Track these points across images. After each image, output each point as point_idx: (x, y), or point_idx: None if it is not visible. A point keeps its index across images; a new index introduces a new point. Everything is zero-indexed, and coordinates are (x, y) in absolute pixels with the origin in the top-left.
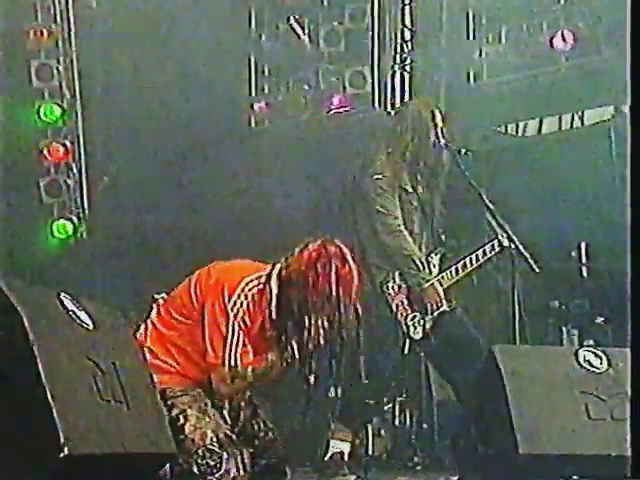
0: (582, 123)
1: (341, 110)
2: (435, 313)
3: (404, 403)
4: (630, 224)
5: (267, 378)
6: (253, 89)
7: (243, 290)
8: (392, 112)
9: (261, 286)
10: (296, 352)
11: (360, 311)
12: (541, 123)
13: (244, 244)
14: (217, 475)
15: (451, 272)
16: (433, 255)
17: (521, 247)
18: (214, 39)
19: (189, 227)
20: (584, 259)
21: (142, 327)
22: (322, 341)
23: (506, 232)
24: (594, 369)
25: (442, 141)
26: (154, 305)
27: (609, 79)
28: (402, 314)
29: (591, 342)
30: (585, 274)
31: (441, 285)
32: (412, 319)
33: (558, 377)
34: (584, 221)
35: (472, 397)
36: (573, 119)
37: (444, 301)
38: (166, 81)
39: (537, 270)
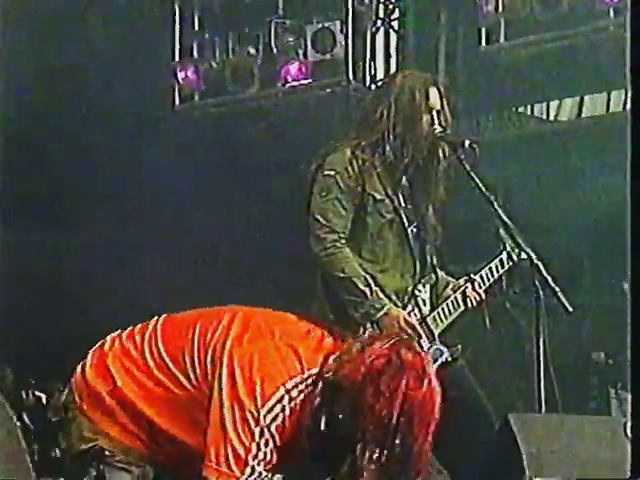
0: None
1: (301, 83)
2: (434, 365)
3: None
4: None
5: None
6: (177, 51)
7: (281, 401)
8: (372, 87)
9: (302, 396)
10: None
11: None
12: (582, 103)
13: (176, 267)
14: None
15: (447, 307)
16: (420, 287)
17: (549, 277)
18: None
19: (101, 245)
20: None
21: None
22: None
23: (528, 255)
24: None
25: (438, 130)
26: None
27: None
28: None
29: None
30: None
31: (436, 327)
32: None
33: (601, 459)
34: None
35: None
36: (625, 98)
37: (442, 348)
38: (64, 44)
39: (571, 309)
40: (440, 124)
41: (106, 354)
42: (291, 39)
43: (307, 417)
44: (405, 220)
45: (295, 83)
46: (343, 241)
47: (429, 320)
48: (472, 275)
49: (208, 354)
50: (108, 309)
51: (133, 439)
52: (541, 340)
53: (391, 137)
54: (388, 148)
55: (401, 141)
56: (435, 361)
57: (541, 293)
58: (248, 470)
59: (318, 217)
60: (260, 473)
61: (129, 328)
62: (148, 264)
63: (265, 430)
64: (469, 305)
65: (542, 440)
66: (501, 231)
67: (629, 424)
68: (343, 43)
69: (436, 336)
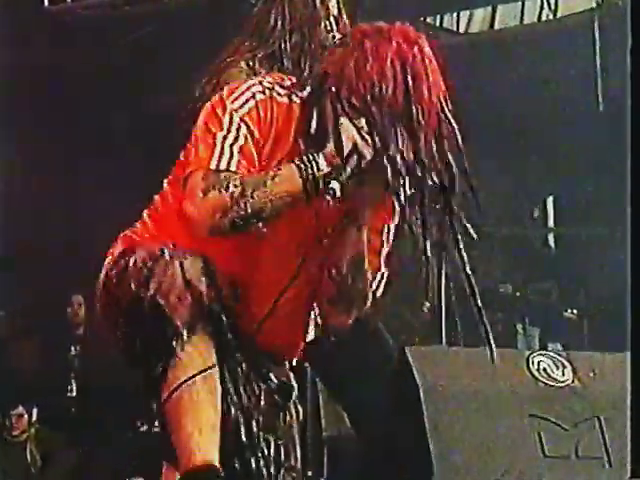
0: (554, 14)
1: None
2: None
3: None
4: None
5: (259, 190)
6: None
7: (250, 88)
8: None
9: (284, 94)
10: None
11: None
12: (494, 13)
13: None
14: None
15: None
16: None
17: (452, 201)
18: None
19: None
20: (551, 221)
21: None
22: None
23: (430, 176)
24: (553, 383)
25: (337, 37)
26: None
27: None
28: None
29: (558, 346)
30: (552, 244)
31: None
32: None
33: (500, 394)
34: (552, 164)
35: (374, 425)
36: (542, 8)
37: None
38: None
39: (475, 237)
40: (339, 31)
41: None
42: None
43: (299, 117)
44: None
45: None
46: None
47: None
48: None
49: None
50: None
51: None
52: (443, 271)
53: (288, 47)
54: (285, 60)
55: (299, 51)
56: None
57: (446, 219)
58: (217, 150)
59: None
60: (232, 155)
61: None
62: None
63: (234, 115)
64: None
65: (442, 373)
66: None
67: (537, 360)
68: None
69: None
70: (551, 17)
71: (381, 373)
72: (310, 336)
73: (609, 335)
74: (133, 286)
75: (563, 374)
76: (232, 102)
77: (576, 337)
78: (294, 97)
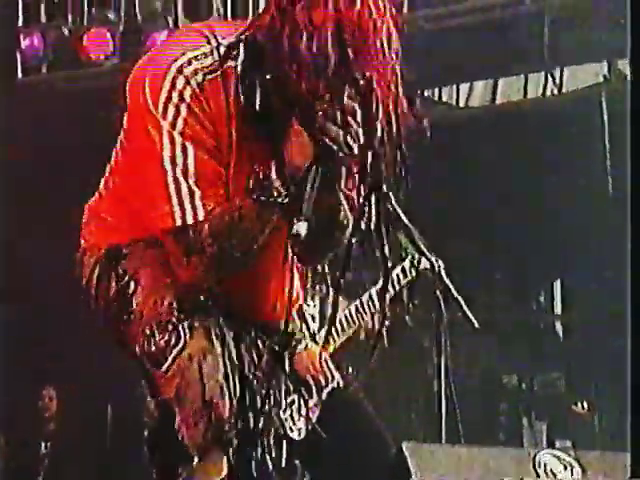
0: (559, 89)
1: None
2: (323, 392)
3: None
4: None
5: (234, 238)
6: (20, 14)
7: (174, 86)
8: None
9: (212, 72)
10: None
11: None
12: (495, 87)
13: None
14: (175, 351)
15: (340, 323)
16: (309, 300)
17: (453, 288)
18: None
19: None
20: (558, 308)
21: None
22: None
23: (430, 261)
24: None
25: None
26: None
27: (601, 20)
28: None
29: (567, 443)
30: (560, 332)
31: (327, 345)
32: (288, 407)
33: None
34: (559, 246)
35: None
36: (546, 82)
37: (334, 372)
38: None
39: (477, 325)
40: None
41: None
42: (159, 3)
43: (232, 95)
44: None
45: None
46: None
47: (319, 339)
48: (368, 286)
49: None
50: None
51: None
52: (442, 360)
53: None
54: None
55: None
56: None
57: (442, 305)
58: (173, 197)
59: None
60: (192, 193)
61: None
62: None
63: (174, 134)
64: (365, 321)
65: (440, 473)
66: (400, 235)
67: (544, 459)
68: (222, 10)
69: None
70: (556, 92)
71: (376, 470)
72: (300, 434)
73: (619, 432)
74: (139, 351)
75: (572, 475)
76: (163, 117)
77: (586, 433)
78: (227, 62)
